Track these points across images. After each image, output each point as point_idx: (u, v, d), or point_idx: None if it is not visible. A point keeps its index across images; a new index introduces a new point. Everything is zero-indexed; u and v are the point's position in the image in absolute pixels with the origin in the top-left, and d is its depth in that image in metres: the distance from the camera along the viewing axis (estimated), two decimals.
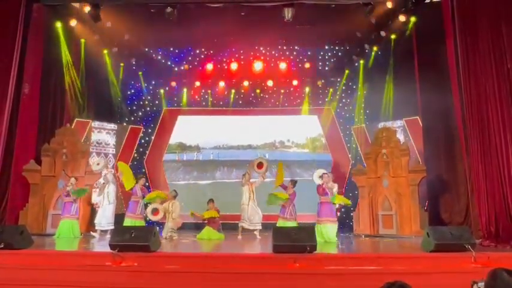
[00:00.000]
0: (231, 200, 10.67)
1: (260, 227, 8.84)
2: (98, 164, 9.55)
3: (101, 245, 7.45)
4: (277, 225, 8.37)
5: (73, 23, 9.92)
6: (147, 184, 10.16)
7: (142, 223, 9.01)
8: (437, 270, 5.19)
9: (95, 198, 9.62)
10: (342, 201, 8.78)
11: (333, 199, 8.45)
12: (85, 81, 10.88)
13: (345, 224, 10.79)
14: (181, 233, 9.15)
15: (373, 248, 7.39)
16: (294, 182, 9.08)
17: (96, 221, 9.03)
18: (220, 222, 9.48)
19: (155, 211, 8.81)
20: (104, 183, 9.33)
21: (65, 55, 10.02)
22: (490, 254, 5.63)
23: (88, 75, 10.91)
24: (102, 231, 8.90)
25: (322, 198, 8.48)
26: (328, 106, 12.34)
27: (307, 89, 12.37)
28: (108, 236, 8.09)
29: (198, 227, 9.77)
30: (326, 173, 8.86)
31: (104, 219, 8.95)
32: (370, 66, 11.58)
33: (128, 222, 8.78)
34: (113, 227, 8.59)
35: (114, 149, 11.59)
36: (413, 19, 9.61)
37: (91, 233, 9.07)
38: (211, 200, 9.52)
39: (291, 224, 8.46)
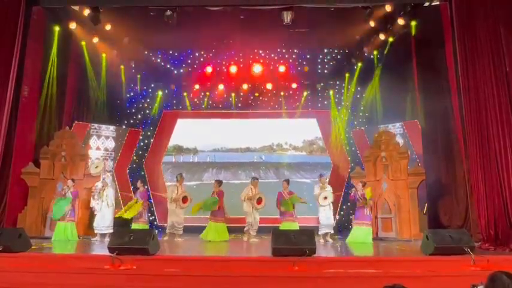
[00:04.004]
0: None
1: (255, 234, 8.86)
2: (97, 167, 9.52)
3: (99, 248, 7.42)
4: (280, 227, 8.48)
5: (73, 26, 9.92)
6: (146, 187, 10.14)
7: (145, 227, 9.07)
8: (436, 273, 5.18)
9: (93, 203, 9.59)
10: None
11: (366, 203, 8.54)
12: (84, 84, 10.91)
13: (344, 227, 10.78)
14: (180, 235, 9.14)
15: (373, 251, 7.38)
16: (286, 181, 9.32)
17: (95, 224, 8.97)
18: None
19: (185, 199, 8.87)
20: (102, 186, 9.31)
21: (52, 59, 9.78)
22: (489, 257, 5.62)
23: (87, 78, 10.93)
24: (101, 234, 8.87)
25: (358, 203, 8.68)
26: (337, 112, 12.34)
27: (305, 93, 12.40)
28: (107, 239, 8.07)
29: (191, 229, 9.74)
30: (322, 175, 8.99)
31: (103, 223, 8.90)
32: (369, 69, 11.60)
33: (135, 226, 8.93)
34: (112, 231, 8.55)
35: (113, 151, 11.57)
36: (412, 23, 9.63)
37: (90, 236, 9.04)
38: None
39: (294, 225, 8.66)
